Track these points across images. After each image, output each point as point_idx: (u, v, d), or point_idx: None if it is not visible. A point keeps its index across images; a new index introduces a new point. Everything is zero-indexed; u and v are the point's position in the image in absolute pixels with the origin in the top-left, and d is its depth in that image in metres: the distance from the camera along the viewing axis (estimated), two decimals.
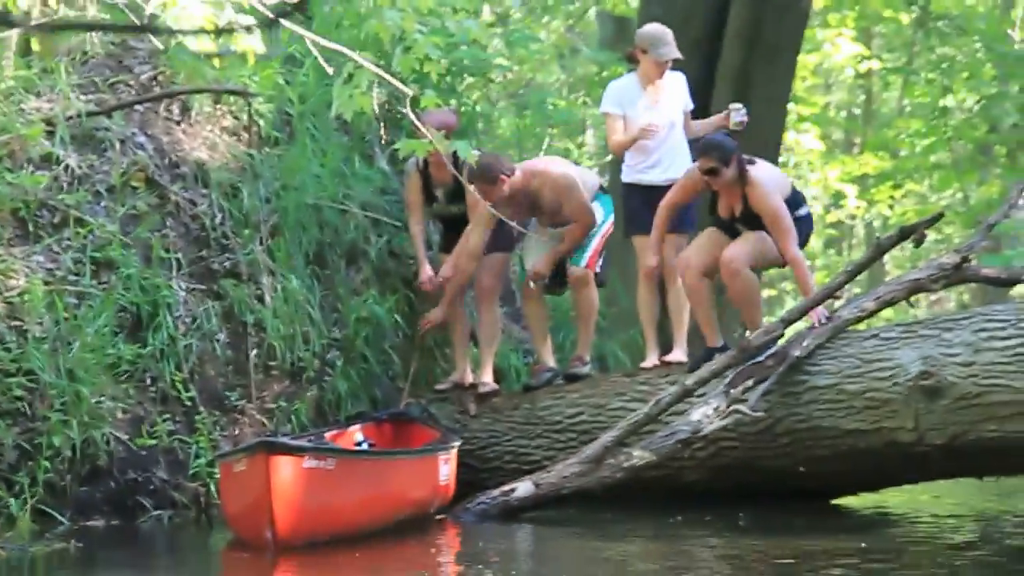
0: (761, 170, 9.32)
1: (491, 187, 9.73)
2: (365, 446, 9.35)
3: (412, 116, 6.03)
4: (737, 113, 10.11)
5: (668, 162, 10.19)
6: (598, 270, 10.40)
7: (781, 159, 16.06)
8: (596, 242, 10.31)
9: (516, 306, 11.57)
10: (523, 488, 8.84)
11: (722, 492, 9.21)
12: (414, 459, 8.84)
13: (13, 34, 10.06)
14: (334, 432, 9.50)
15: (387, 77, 5.53)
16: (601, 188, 10.54)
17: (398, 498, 8.46)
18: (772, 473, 9.12)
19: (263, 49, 5.41)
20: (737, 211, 9.34)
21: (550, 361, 10.43)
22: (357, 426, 9.68)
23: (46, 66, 10.22)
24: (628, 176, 10.26)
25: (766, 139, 14.69)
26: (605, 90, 10.57)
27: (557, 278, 10.44)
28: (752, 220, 9.26)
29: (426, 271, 10.34)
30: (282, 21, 5.12)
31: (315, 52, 5.37)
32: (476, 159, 9.62)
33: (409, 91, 5.78)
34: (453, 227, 10.40)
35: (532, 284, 10.29)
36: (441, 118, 9.69)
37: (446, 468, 8.89)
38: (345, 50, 5.44)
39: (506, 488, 8.87)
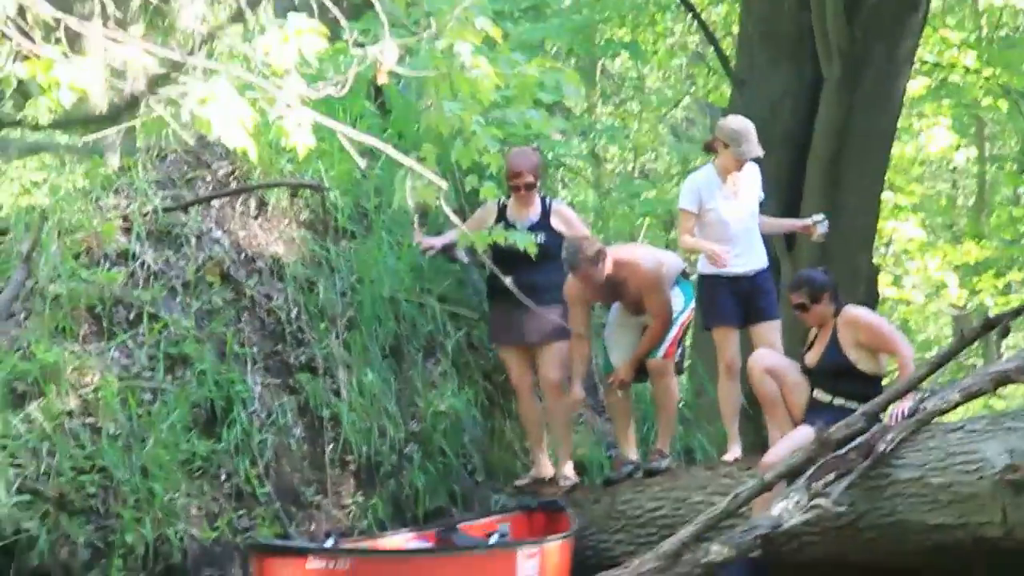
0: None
1: (587, 273, 9.65)
2: (495, 537, 9.16)
3: (447, 209, 5.94)
4: (821, 225, 10.06)
5: (748, 252, 10.05)
6: (677, 359, 10.26)
7: (879, 250, 15.86)
8: (675, 331, 10.17)
9: (599, 398, 11.40)
10: None
11: None
12: (472, 556, 8.64)
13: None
14: (475, 523, 9.46)
15: (420, 169, 5.45)
16: (683, 273, 10.42)
17: None
18: (857, 569, 8.86)
19: (313, 143, 5.31)
20: (818, 355, 9.19)
21: (632, 454, 10.26)
22: (502, 516, 9.64)
23: (126, 163, 10.31)
24: (706, 268, 10.09)
25: (859, 229, 14.51)
26: (684, 184, 10.47)
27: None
28: (833, 372, 9.10)
29: (435, 241, 10.38)
30: (312, 114, 5.05)
31: (346, 144, 5.27)
32: (576, 240, 9.63)
33: (443, 184, 5.69)
34: (516, 266, 10.15)
35: (619, 392, 10.15)
36: (526, 161, 9.86)
37: (531, 564, 8.63)
38: (378, 143, 5.36)
39: None
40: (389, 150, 5.17)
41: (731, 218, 9.98)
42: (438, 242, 10.37)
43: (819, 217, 10.28)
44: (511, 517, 9.71)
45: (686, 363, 11.79)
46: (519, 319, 10.11)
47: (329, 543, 8.49)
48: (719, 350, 10.03)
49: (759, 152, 9.96)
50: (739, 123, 10.05)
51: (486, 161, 6.86)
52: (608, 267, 9.80)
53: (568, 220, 10.31)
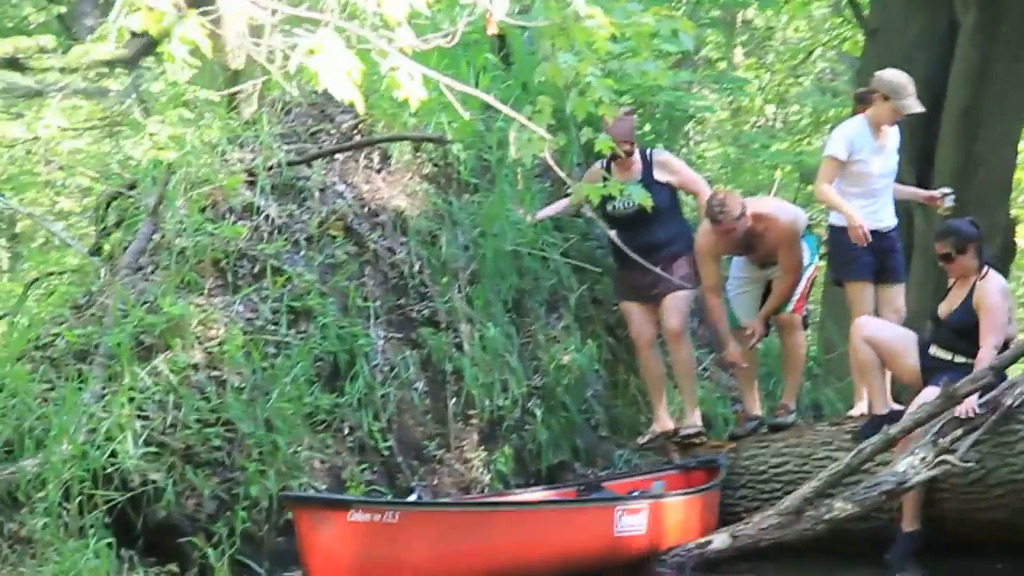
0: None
1: (730, 227, 9.57)
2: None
3: (551, 160, 5.85)
4: (948, 199, 9.90)
5: (885, 208, 9.89)
6: (805, 313, 10.14)
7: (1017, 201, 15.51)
8: (803, 285, 10.09)
9: (722, 353, 11.25)
10: (719, 540, 8.58)
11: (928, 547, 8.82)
12: (544, 511, 8.49)
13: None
14: (623, 480, 9.42)
15: (524, 121, 5.37)
16: (808, 227, 10.28)
17: (515, 551, 8.03)
18: (986, 525, 8.68)
19: (424, 95, 5.26)
20: (950, 308, 9.00)
21: (756, 409, 10.15)
22: (656, 474, 9.60)
23: (251, 118, 10.34)
24: (839, 220, 9.88)
25: (995, 180, 14.20)
26: (833, 132, 10.27)
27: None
28: (958, 329, 8.91)
29: (538, 213, 10.37)
30: (418, 66, 4.99)
31: (450, 97, 5.20)
32: (715, 195, 9.54)
33: (548, 136, 5.60)
34: (629, 229, 9.98)
35: (753, 343, 10.03)
36: (621, 128, 9.75)
37: (632, 519, 8.52)
38: (479, 93, 5.29)
39: (702, 540, 8.61)
40: (492, 100, 5.10)
41: (877, 172, 9.80)
42: (549, 212, 10.30)
43: (947, 190, 10.15)
44: (666, 475, 9.63)
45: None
46: (642, 276, 10.02)
47: (413, 498, 8.49)
48: (853, 305, 9.84)
49: (919, 107, 9.75)
50: (901, 76, 9.82)
51: (601, 113, 6.75)
52: (748, 221, 9.68)
53: (672, 168, 10.13)
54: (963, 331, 8.86)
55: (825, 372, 12.90)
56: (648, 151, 10.23)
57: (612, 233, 8.19)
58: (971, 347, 8.80)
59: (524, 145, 6.98)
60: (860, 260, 9.70)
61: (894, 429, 8.58)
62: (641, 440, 10.24)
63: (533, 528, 8.07)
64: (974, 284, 8.95)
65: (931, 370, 8.96)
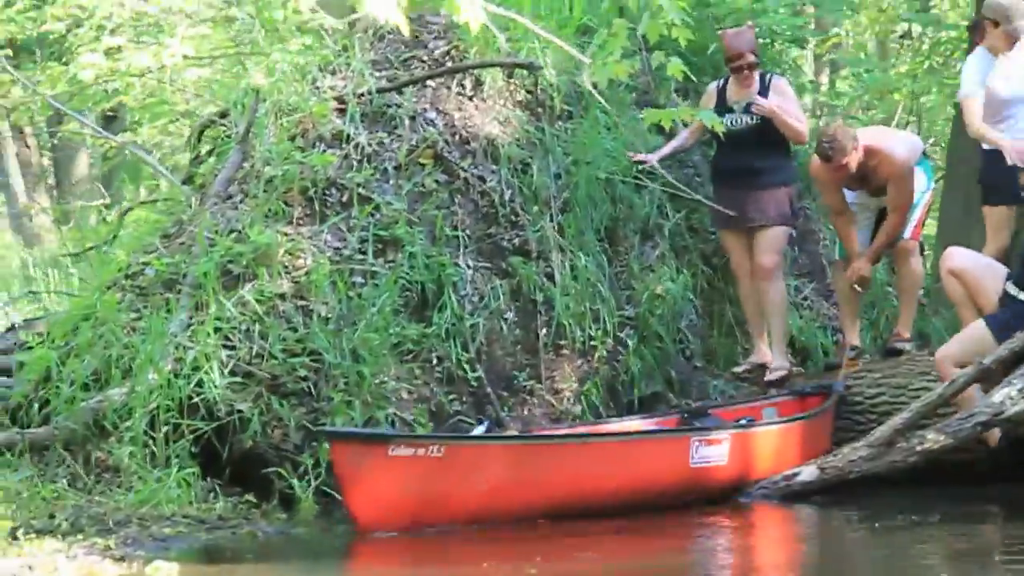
0: None
1: (841, 164, 9.37)
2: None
3: (588, 84, 5.69)
4: None
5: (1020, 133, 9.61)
6: (922, 240, 9.94)
7: None
8: (920, 212, 9.93)
9: (826, 282, 11.04)
10: (807, 472, 8.40)
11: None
12: (608, 443, 8.29)
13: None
14: (733, 408, 9.32)
15: (562, 44, 5.20)
16: (924, 153, 10.05)
17: (576, 485, 7.82)
18: None
19: (484, 18, 5.11)
20: None
21: (855, 339, 9.94)
22: (769, 401, 9.47)
23: (344, 43, 10.25)
24: (987, 143, 9.61)
25: None
26: (962, 75, 9.98)
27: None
28: None
29: (657, 155, 10.19)
30: None
31: (482, 17, 5.02)
32: (825, 130, 9.36)
33: (586, 59, 5.44)
34: (736, 148, 9.93)
35: (858, 288, 9.80)
36: (739, 41, 9.73)
37: (711, 450, 8.33)
38: (518, 17, 5.12)
39: (789, 472, 8.43)
40: (528, 23, 4.93)
41: (1009, 97, 9.52)
42: (653, 158, 10.13)
43: None
44: (780, 402, 9.48)
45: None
46: (741, 202, 9.90)
47: (480, 430, 8.36)
48: (995, 229, 9.61)
49: None
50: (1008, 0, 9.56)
51: (674, 36, 6.57)
52: (860, 156, 9.45)
53: (784, 94, 9.95)
54: None
55: (933, 301, 12.62)
56: (768, 74, 10.07)
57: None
58: None
59: (599, 69, 6.84)
60: (1008, 184, 9.42)
61: (988, 359, 8.33)
62: (737, 370, 10.12)
63: (596, 461, 7.92)
64: None
65: (1001, 306, 8.71)
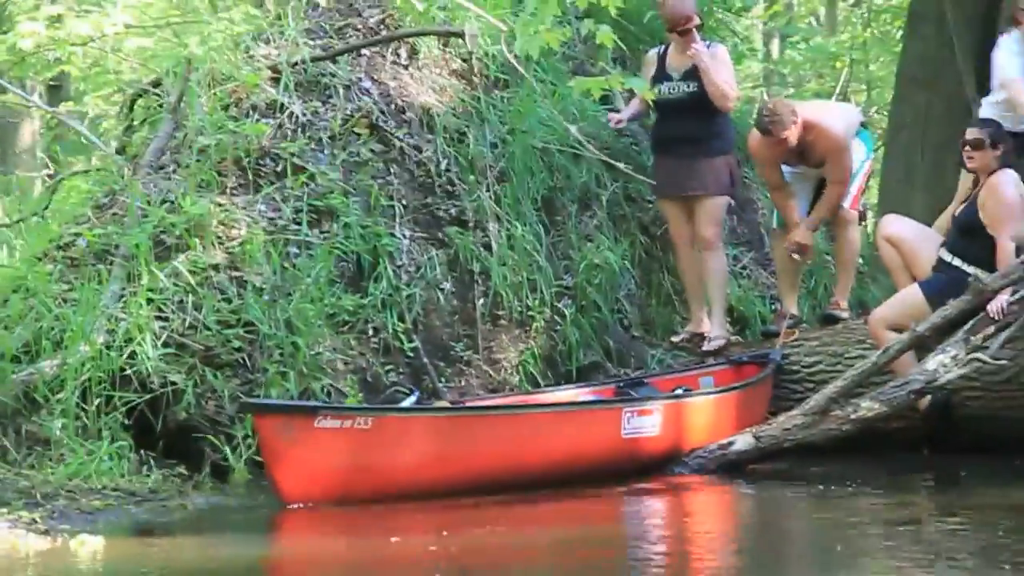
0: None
1: (780, 139, 9.36)
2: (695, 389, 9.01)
3: (507, 53, 5.64)
4: None
5: None
6: (861, 209, 9.95)
7: None
8: (859, 181, 9.99)
9: (764, 251, 11.05)
10: (742, 441, 8.39)
11: (957, 445, 8.64)
12: (538, 414, 8.19)
13: None
14: (668, 376, 9.30)
15: (482, 13, 5.15)
16: (862, 124, 10.08)
17: (506, 456, 7.77)
18: (1018, 424, 8.48)
19: None
20: (959, 208, 8.81)
21: (793, 308, 9.96)
22: (704, 370, 9.46)
23: (278, 12, 10.16)
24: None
25: None
26: (998, 60, 9.93)
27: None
28: (960, 229, 8.66)
29: (622, 115, 10.13)
30: None
31: None
32: (765, 104, 9.36)
33: (504, 27, 5.39)
34: (673, 115, 9.91)
35: (796, 256, 9.81)
36: (685, 4, 9.70)
37: (643, 420, 8.27)
38: None
39: (724, 441, 8.42)
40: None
41: None
42: (625, 115, 10.10)
43: None
44: (717, 371, 9.48)
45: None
46: (680, 170, 9.88)
47: (410, 401, 8.29)
48: None
49: None
50: None
51: (604, 4, 6.54)
52: (799, 130, 9.45)
53: (721, 61, 9.89)
54: (966, 229, 8.62)
55: (873, 269, 12.67)
56: (708, 43, 10.01)
57: None
58: (981, 252, 8.57)
59: (530, 39, 6.81)
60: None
61: (922, 326, 8.35)
62: (675, 339, 10.13)
63: (527, 432, 7.86)
64: (981, 184, 8.74)
65: (935, 272, 8.75)
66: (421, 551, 6.35)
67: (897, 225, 9.12)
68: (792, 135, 9.35)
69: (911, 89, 13.91)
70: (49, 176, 18.36)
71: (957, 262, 8.67)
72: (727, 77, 9.90)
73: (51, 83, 21.14)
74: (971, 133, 8.84)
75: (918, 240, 9.02)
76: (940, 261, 8.77)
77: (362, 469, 7.35)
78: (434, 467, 7.55)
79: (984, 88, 13.10)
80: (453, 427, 7.76)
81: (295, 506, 7.24)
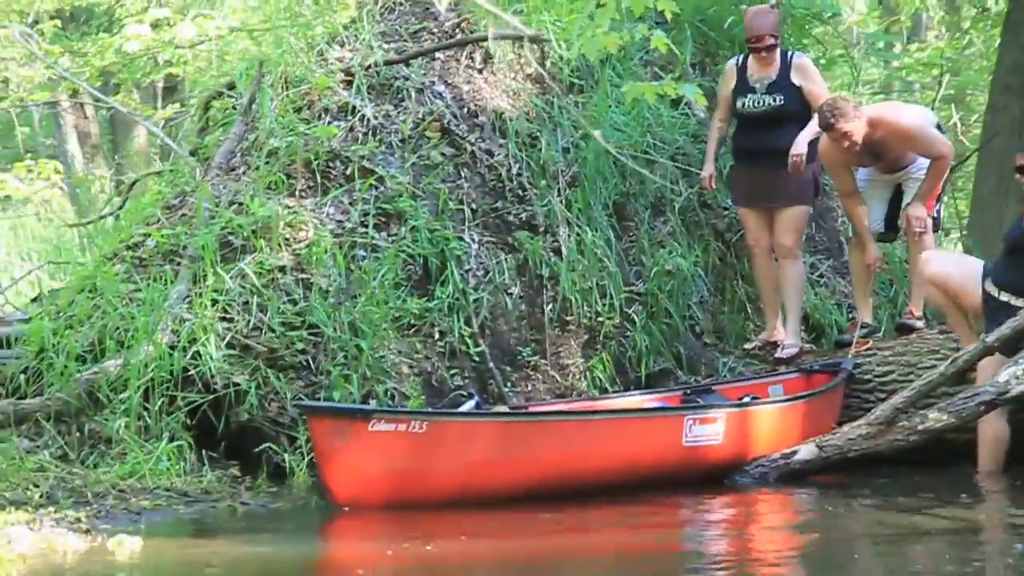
0: None
1: (842, 133, 9.17)
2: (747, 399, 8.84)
3: (531, 57, 5.56)
4: None
5: None
6: (936, 214, 9.71)
7: None
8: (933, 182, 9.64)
9: (843, 259, 10.86)
10: (805, 451, 8.24)
11: None
12: (598, 421, 8.03)
13: None
14: (737, 384, 9.19)
15: (504, 16, 5.09)
16: (937, 127, 9.85)
17: (562, 463, 7.65)
18: None
19: None
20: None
21: (867, 317, 9.78)
22: (775, 378, 9.36)
23: (354, 15, 10.17)
24: None
25: None
26: None
27: (889, 222, 9.79)
28: (1012, 247, 8.48)
29: (710, 168, 9.96)
30: None
31: None
32: (825, 102, 9.21)
33: (528, 31, 5.32)
34: (757, 128, 9.80)
35: (872, 266, 9.64)
36: (760, 22, 9.63)
37: (705, 428, 8.14)
38: None
39: (787, 451, 8.28)
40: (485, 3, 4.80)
41: None
42: (711, 168, 9.99)
43: None
44: (786, 379, 9.35)
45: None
46: (762, 181, 9.76)
47: (469, 406, 8.21)
48: None
49: None
50: None
51: (660, 8, 6.45)
52: (865, 127, 9.26)
53: (808, 75, 9.78)
54: (1012, 249, 8.38)
55: None
56: (790, 53, 9.90)
57: None
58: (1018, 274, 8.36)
59: (587, 41, 6.74)
60: None
61: (991, 337, 8.15)
62: (747, 346, 10.00)
63: (585, 439, 7.77)
64: None
65: (986, 307, 8.54)
66: (473, 555, 6.31)
67: (936, 264, 8.88)
68: (856, 130, 9.13)
69: (1006, 97, 13.62)
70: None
71: (1005, 297, 8.42)
72: (818, 91, 9.75)
73: (165, 85, 21.43)
74: (1017, 159, 8.61)
75: (961, 276, 8.77)
76: (987, 296, 8.53)
77: (416, 473, 7.30)
78: (490, 473, 7.49)
79: None
80: (509, 433, 7.68)
81: (347, 509, 7.22)
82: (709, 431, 8.16)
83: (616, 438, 7.88)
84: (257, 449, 8.26)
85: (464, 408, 8.17)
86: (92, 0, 20.77)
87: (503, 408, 8.55)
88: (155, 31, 15.66)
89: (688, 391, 8.99)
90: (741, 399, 8.82)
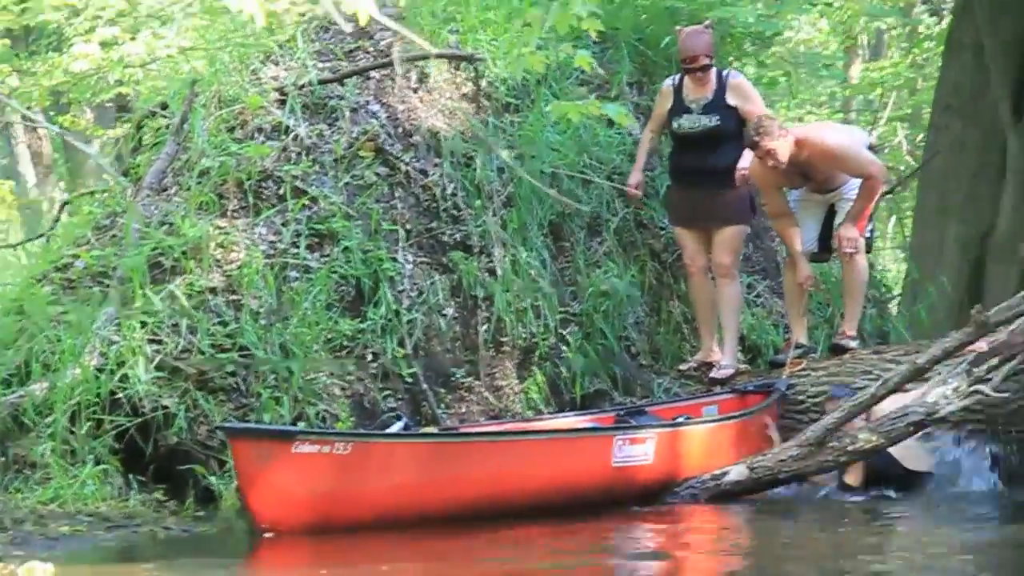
0: None
1: (768, 152, 9.16)
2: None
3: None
4: None
5: None
6: (868, 235, 9.71)
7: None
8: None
9: (779, 279, 10.85)
10: (736, 472, 8.22)
11: None
12: (525, 441, 7.99)
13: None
14: (671, 406, 9.15)
15: (407, 32, 5.03)
16: (870, 147, 9.86)
17: (490, 484, 7.59)
18: None
19: (374, 10, 4.88)
20: None
21: (802, 337, 9.77)
22: (709, 399, 9.32)
23: (290, 35, 10.12)
24: None
25: None
26: None
27: (823, 243, 9.79)
28: None
29: (636, 176, 9.98)
30: None
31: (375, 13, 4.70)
32: (752, 121, 9.23)
33: (432, 49, 5.28)
34: (694, 148, 9.80)
35: (806, 287, 9.63)
36: (694, 43, 9.62)
37: (635, 449, 8.09)
38: (390, 22, 4.91)
39: (717, 472, 8.25)
40: (389, 22, 4.74)
41: None
42: (638, 177, 10.01)
43: None
44: (720, 400, 9.33)
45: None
46: (699, 201, 9.75)
47: (397, 427, 8.11)
48: None
49: None
50: None
51: (585, 27, 6.43)
52: (791, 146, 9.25)
53: (744, 94, 9.78)
54: None
55: (910, 298, 12.51)
56: (725, 72, 9.90)
57: None
58: None
59: (514, 61, 6.71)
60: None
61: (923, 358, 8.16)
62: (683, 367, 9.98)
63: (512, 460, 7.71)
64: None
65: None
66: None
67: None
68: (780, 149, 9.11)
69: (946, 117, 13.72)
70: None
71: None
72: (758, 108, 9.74)
73: (119, 104, 21.31)
74: None
75: None
76: None
77: (341, 496, 7.20)
78: (416, 494, 7.39)
79: (1020, 115, 13.00)
80: (435, 453, 7.60)
81: (270, 535, 7.13)
82: (639, 451, 8.11)
83: (544, 459, 7.82)
84: (183, 469, 8.16)
85: (392, 430, 8.09)
86: (42, 19, 20.60)
87: (432, 429, 8.47)
88: (104, 50, 15.56)
89: (621, 412, 8.95)
90: (675, 419, 8.79)
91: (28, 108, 24.11)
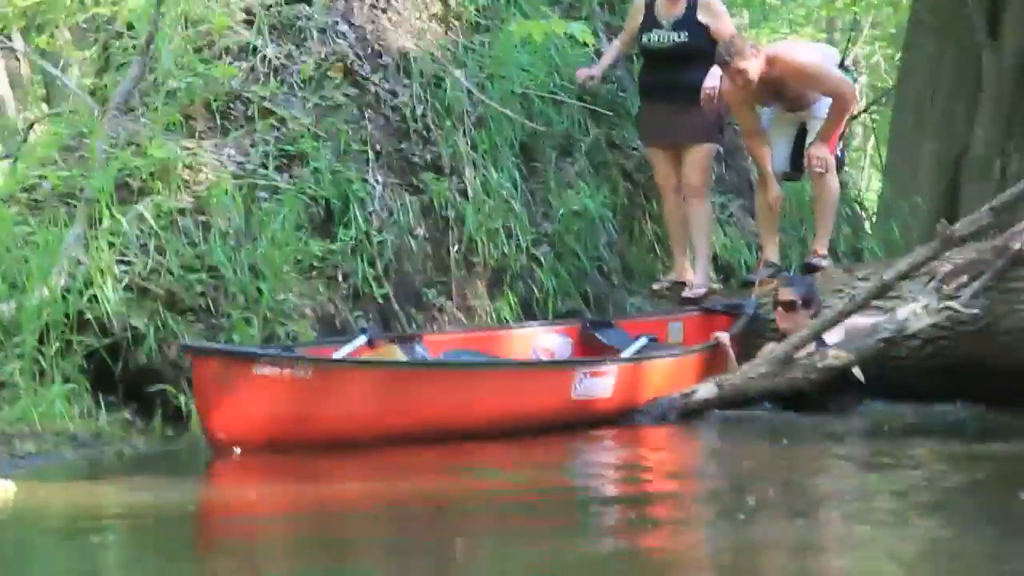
0: None
1: (737, 70, 9.16)
2: (640, 342, 8.78)
3: None
4: None
5: None
6: (839, 153, 9.70)
7: None
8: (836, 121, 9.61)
9: (752, 199, 10.83)
10: (704, 389, 8.22)
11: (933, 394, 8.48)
12: (488, 372, 7.97)
13: None
14: (637, 320, 9.19)
15: None
16: (842, 65, 9.82)
17: (449, 412, 7.55)
18: (993, 374, 8.30)
19: None
20: None
21: (773, 256, 9.77)
22: (674, 315, 9.33)
23: None
24: None
25: None
26: None
27: (794, 162, 9.76)
28: None
29: (596, 71, 10.01)
30: None
31: None
32: (722, 40, 9.20)
33: None
34: (663, 65, 9.78)
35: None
36: None
37: (596, 382, 8.05)
38: None
39: (687, 390, 8.25)
40: None
41: None
42: (596, 71, 9.95)
43: None
44: (686, 317, 9.31)
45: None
46: (668, 118, 9.72)
47: (360, 339, 8.08)
48: None
49: None
50: None
51: None
52: (762, 64, 9.22)
53: (714, 12, 9.74)
54: None
55: (884, 217, 12.51)
56: None
57: None
58: None
59: None
60: None
61: (889, 274, 8.16)
62: (656, 286, 9.99)
63: (472, 391, 7.67)
64: None
65: None
66: (356, 497, 6.24)
67: None
68: (751, 68, 9.10)
69: (921, 35, 13.65)
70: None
71: None
72: (728, 27, 9.72)
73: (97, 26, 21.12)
74: None
75: None
76: None
77: (300, 418, 7.16)
78: (375, 420, 7.35)
79: (995, 34, 12.96)
80: (395, 381, 7.54)
81: (237, 452, 7.12)
82: (599, 385, 8.09)
83: (504, 390, 7.81)
84: (153, 390, 8.14)
85: (355, 342, 8.04)
86: None
87: (392, 347, 8.36)
88: None
89: (587, 324, 8.94)
90: (639, 337, 8.76)
91: (2, 30, 23.95)
